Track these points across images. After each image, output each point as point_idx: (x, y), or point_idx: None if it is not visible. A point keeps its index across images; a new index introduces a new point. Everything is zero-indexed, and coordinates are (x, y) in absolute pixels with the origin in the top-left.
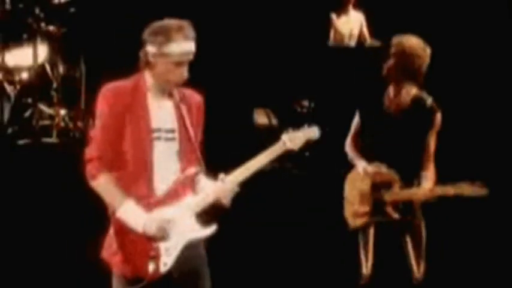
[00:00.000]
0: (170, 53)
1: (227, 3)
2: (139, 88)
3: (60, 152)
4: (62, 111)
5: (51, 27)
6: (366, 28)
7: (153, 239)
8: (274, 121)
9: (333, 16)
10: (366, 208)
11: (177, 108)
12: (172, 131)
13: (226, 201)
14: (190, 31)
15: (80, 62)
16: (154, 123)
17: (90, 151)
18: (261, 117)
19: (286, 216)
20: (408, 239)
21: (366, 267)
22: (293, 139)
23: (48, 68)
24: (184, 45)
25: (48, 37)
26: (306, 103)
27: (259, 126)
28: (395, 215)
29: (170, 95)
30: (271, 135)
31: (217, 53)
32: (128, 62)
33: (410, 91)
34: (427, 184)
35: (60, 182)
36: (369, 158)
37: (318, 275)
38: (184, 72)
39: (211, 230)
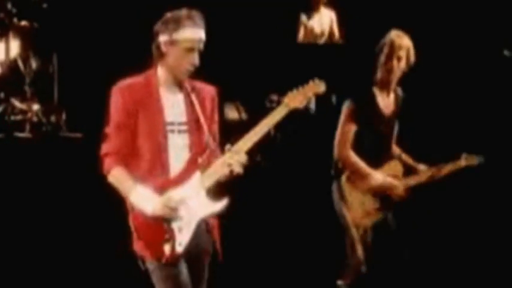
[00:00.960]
0: (181, 39)
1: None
2: (151, 83)
3: (33, 147)
4: (35, 106)
5: (23, 23)
6: (336, 27)
7: (165, 221)
8: (244, 115)
9: (303, 15)
10: (376, 205)
11: (188, 100)
12: (184, 123)
13: (236, 170)
14: (200, 19)
15: (52, 57)
16: (168, 117)
17: (106, 147)
18: (231, 112)
19: (258, 209)
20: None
21: (366, 265)
22: (296, 96)
23: (20, 63)
24: (194, 32)
25: (20, 32)
26: (275, 98)
27: (229, 120)
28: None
29: (181, 88)
30: (240, 130)
31: None
32: (101, 57)
33: (397, 90)
34: (424, 166)
35: (33, 177)
36: (370, 162)
37: (294, 268)
38: (195, 59)
39: (222, 204)
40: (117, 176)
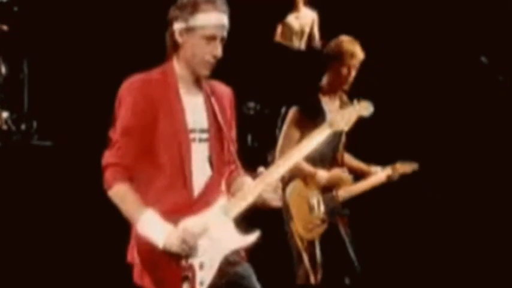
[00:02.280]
0: (199, 25)
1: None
2: (168, 80)
3: (2, 156)
4: (4, 114)
5: None
6: (317, 28)
7: (181, 256)
8: None
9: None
10: (317, 220)
11: (208, 103)
12: (205, 130)
13: (270, 197)
14: (221, 2)
15: (22, 63)
16: (190, 123)
17: (109, 156)
18: None
19: None
20: (346, 238)
21: (315, 277)
22: (341, 118)
23: None
24: (214, 17)
25: None
26: (252, 105)
27: None
28: (347, 211)
29: (200, 87)
30: None
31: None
32: (74, 63)
33: (343, 97)
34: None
35: (1, 186)
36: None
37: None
38: (217, 49)
39: (253, 237)
40: (121, 194)
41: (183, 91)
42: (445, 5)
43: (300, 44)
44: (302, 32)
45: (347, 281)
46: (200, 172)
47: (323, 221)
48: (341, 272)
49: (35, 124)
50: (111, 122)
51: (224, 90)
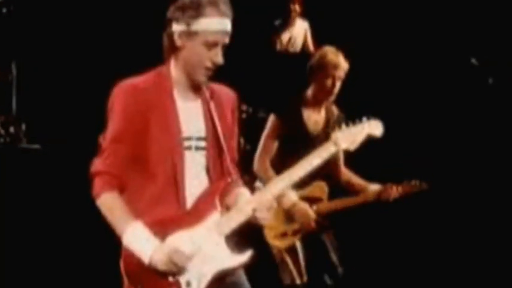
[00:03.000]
0: (201, 30)
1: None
2: (163, 84)
3: None
4: None
5: None
6: (310, 37)
7: (167, 273)
8: None
9: (277, 24)
10: (295, 226)
11: (206, 109)
12: (203, 138)
13: (262, 217)
14: (225, 6)
15: (11, 65)
16: (185, 130)
17: (98, 164)
18: None
19: None
20: (329, 244)
21: (301, 279)
22: (347, 135)
23: None
24: (218, 22)
25: None
26: (244, 108)
27: None
28: (326, 222)
29: (198, 92)
30: None
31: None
32: (64, 64)
33: (331, 108)
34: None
35: None
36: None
37: None
38: (218, 56)
39: (246, 257)
40: (108, 204)
41: (178, 96)
42: (439, 13)
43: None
44: (294, 43)
45: (328, 281)
46: (195, 182)
47: (295, 233)
48: (322, 274)
49: (23, 127)
50: (102, 126)
51: (226, 94)
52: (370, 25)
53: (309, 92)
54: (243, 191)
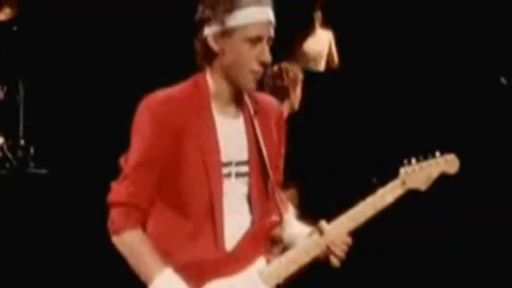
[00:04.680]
0: (240, 25)
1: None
2: (199, 98)
3: None
4: None
5: None
6: (334, 48)
7: None
8: None
9: (299, 36)
10: None
11: (250, 126)
12: (245, 163)
13: (337, 257)
14: None
15: (18, 85)
16: (224, 154)
17: (118, 192)
18: None
19: None
20: None
21: None
22: (417, 173)
23: None
24: (258, 12)
25: None
26: None
27: None
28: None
29: (240, 106)
30: None
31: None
32: (71, 85)
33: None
34: None
35: None
36: None
37: None
38: (265, 53)
39: None
40: (132, 244)
41: (217, 112)
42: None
43: (317, 68)
44: (320, 55)
45: None
46: (235, 216)
47: None
48: None
49: (32, 151)
50: (114, 150)
51: (272, 107)
52: (393, 36)
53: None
54: (298, 229)
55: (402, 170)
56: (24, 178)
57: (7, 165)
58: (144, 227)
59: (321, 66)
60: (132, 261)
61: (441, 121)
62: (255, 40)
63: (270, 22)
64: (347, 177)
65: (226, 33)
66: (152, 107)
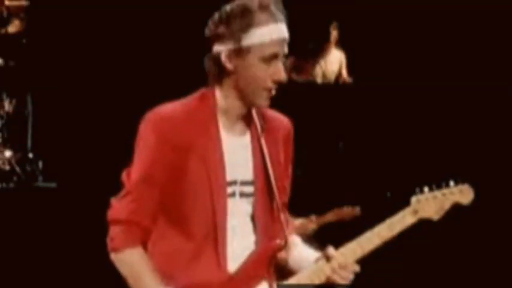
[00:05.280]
0: (256, 44)
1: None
2: (206, 114)
3: (3, 197)
4: (7, 153)
5: None
6: (345, 68)
7: None
8: None
9: (310, 48)
10: None
11: (257, 145)
12: (250, 182)
13: (344, 276)
14: (277, 10)
15: (26, 98)
16: (229, 173)
17: (118, 208)
18: None
19: None
20: None
21: None
22: (430, 203)
23: None
24: (274, 29)
25: None
26: None
27: None
28: None
29: (248, 124)
30: None
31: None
32: (82, 99)
33: None
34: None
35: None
36: None
37: None
38: (280, 71)
39: None
40: (131, 262)
41: (224, 129)
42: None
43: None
44: (330, 74)
45: None
46: (239, 237)
47: None
48: None
49: (40, 164)
50: (123, 163)
51: (280, 123)
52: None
53: None
54: (305, 253)
55: (414, 199)
56: (32, 192)
57: (15, 178)
58: (145, 246)
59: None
60: (131, 280)
61: (456, 142)
62: (271, 58)
63: (284, 39)
64: (361, 192)
65: (241, 52)
66: (156, 123)
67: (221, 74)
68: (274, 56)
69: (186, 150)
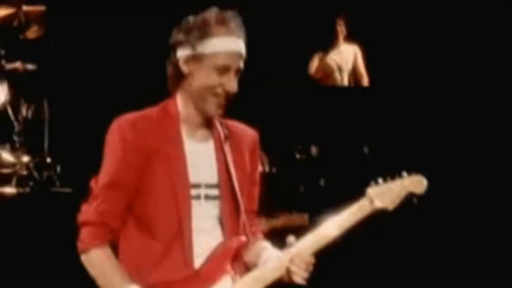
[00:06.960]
0: (209, 52)
1: None
2: (168, 121)
3: (19, 203)
4: (25, 158)
5: (16, 64)
6: (361, 62)
7: None
8: (268, 168)
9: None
10: None
11: (220, 151)
12: (214, 186)
13: (298, 276)
14: (236, 24)
15: (43, 103)
16: (193, 176)
17: (87, 211)
18: None
19: None
20: None
21: None
22: (385, 193)
23: (9, 109)
24: (229, 42)
25: (9, 75)
26: (300, 147)
27: None
28: None
29: (210, 131)
30: (264, 185)
31: None
32: (100, 104)
33: None
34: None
35: (10, 237)
36: None
37: None
38: (231, 83)
39: None
40: (98, 261)
41: (186, 136)
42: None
43: (342, 81)
44: (341, 69)
45: None
46: (206, 238)
47: None
48: None
49: (58, 169)
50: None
51: (244, 133)
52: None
53: None
54: (265, 247)
55: (369, 190)
56: (48, 197)
57: (31, 183)
58: (114, 247)
59: (344, 80)
60: (100, 280)
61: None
62: (223, 69)
63: (240, 54)
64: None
65: (196, 58)
66: (122, 129)
67: (179, 78)
68: (226, 68)
69: (150, 155)
